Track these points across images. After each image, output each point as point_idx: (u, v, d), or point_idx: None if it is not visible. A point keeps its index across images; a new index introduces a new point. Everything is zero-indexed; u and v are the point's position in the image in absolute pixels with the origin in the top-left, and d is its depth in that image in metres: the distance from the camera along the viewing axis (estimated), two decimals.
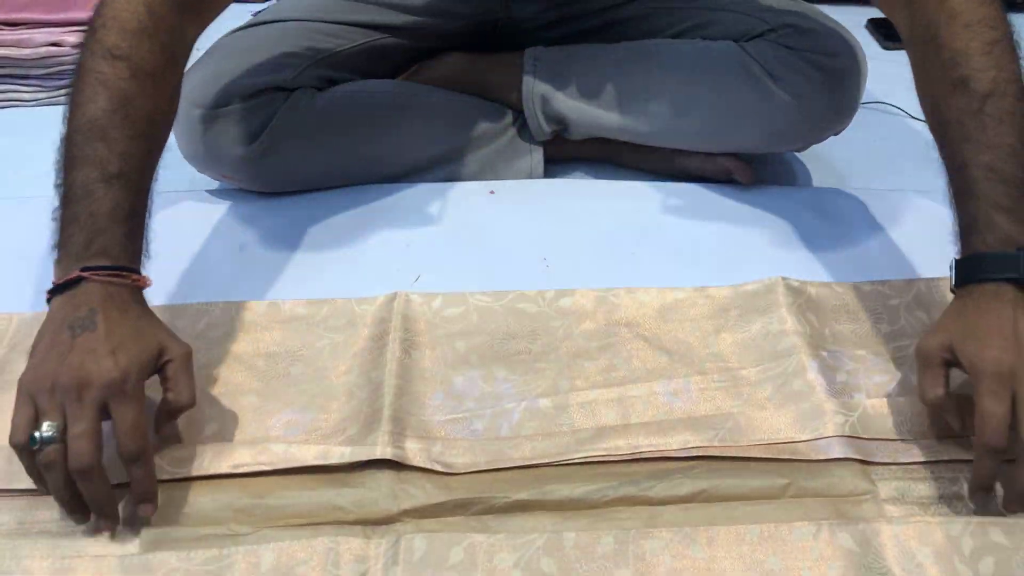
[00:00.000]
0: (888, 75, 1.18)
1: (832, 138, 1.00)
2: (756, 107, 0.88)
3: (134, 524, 0.59)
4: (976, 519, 0.59)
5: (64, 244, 0.61)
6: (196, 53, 0.91)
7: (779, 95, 0.87)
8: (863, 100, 0.93)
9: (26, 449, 0.55)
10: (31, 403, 0.56)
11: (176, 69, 0.68)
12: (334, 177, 0.94)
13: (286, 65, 0.90)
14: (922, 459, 0.64)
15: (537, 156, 0.98)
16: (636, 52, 0.92)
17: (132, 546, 0.58)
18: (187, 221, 0.90)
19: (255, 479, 0.62)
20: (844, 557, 0.57)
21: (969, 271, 0.62)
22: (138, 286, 0.62)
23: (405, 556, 0.57)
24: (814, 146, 0.99)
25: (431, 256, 0.85)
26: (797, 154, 1.03)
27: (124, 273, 0.61)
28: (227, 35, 0.92)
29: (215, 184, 0.95)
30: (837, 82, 0.87)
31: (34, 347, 0.59)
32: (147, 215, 0.65)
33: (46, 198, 0.93)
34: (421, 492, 0.61)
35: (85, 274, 0.59)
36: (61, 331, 0.58)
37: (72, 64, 1.13)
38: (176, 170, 0.99)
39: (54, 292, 0.60)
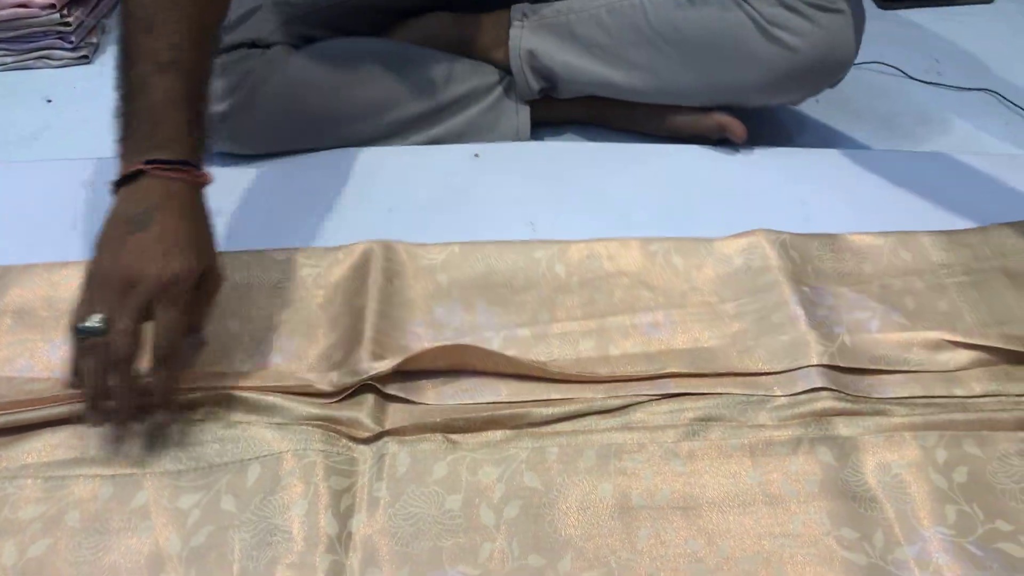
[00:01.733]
0: (885, 35, 1.17)
1: (827, 98, 0.98)
2: (752, 57, 0.86)
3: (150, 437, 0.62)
4: (949, 432, 0.61)
5: (126, 137, 0.61)
6: None
7: (775, 44, 0.85)
8: (860, 60, 0.90)
9: (74, 335, 0.57)
10: (88, 293, 0.58)
11: None
12: (312, 138, 0.91)
13: (263, 20, 0.88)
14: (895, 395, 0.65)
15: (524, 116, 0.95)
16: (627, 4, 0.90)
17: (123, 468, 0.60)
18: None
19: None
20: (823, 471, 0.60)
21: None
22: (199, 183, 0.62)
23: (389, 472, 0.59)
24: (809, 105, 0.96)
25: (413, 221, 0.83)
26: (792, 113, 1.01)
27: (185, 168, 0.61)
28: None
29: None
30: (834, 31, 0.85)
31: (97, 238, 0.60)
32: (205, 108, 0.64)
33: (15, 163, 0.91)
34: (402, 414, 0.62)
35: (146, 168, 0.60)
36: (119, 226, 0.59)
37: (40, 27, 1.10)
38: None
39: (118, 185, 0.61)
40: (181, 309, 0.58)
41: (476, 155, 0.92)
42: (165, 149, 0.60)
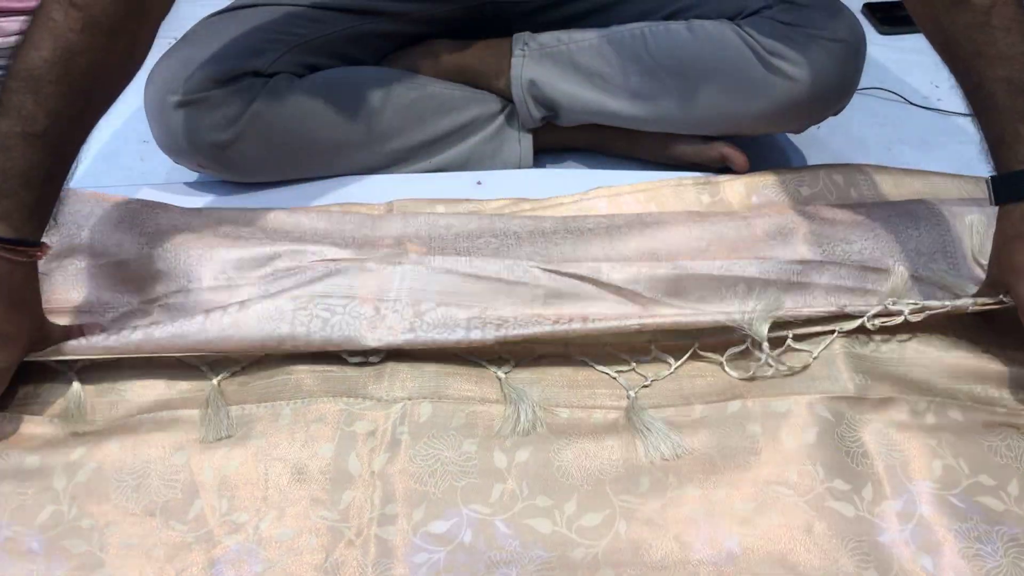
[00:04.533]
0: (885, 60, 1.19)
1: (828, 125, 1.01)
2: (753, 87, 0.90)
3: None
4: (938, 399, 0.67)
5: None
6: (172, 40, 0.89)
7: (776, 74, 0.88)
8: (860, 86, 0.91)
9: None
10: None
11: (142, 22, 0.67)
12: (314, 167, 0.95)
13: (264, 50, 0.91)
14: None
15: (526, 144, 0.98)
16: (628, 34, 0.94)
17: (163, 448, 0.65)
18: None
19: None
20: (819, 424, 0.64)
21: (1006, 190, 0.65)
22: (30, 260, 0.64)
23: (412, 417, 0.66)
24: (810, 132, 0.98)
25: None
26: (793, 140, 1.03)
27: (21, 248, 0.62)
28: (204, 19, 0.92)
29: (192, 176, 0.95)
30: (835, 59, 0.88)
31: None
32: (67, 179, 0.66)
33: None
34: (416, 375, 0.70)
35: None
36: None
37: None
38: (151, 162, 0.98)
39: None
40: None
41: (479, 183, 0.94)
42: (6, 223, 0.61)
